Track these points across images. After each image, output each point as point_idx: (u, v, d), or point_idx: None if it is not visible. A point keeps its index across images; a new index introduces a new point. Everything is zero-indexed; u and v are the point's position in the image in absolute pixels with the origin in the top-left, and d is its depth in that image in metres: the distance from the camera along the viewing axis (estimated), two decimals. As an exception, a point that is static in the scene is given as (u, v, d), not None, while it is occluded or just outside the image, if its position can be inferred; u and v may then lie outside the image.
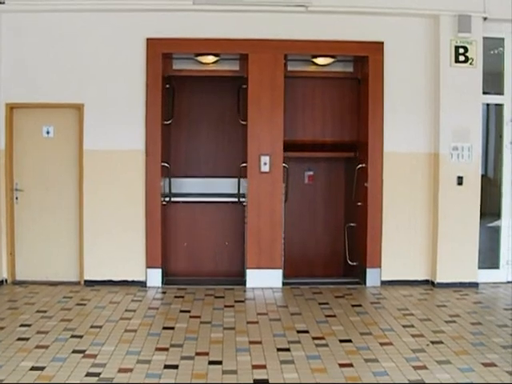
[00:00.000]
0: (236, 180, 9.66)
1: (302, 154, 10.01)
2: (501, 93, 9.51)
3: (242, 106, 9.65)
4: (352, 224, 9.92)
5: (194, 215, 10.16)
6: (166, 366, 6.03)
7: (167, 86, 9.62)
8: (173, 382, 5.65)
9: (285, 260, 9.60)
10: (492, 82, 9.49)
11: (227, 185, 10.06)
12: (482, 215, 9.41)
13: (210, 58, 9.49)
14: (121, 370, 5.90)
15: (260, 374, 5.84)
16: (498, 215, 9.76)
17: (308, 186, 10.50)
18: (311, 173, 10.48)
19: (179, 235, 10.10)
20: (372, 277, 9.40)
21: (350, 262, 9.90)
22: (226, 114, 10.24)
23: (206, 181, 10.18)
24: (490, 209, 9.73)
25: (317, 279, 9.69)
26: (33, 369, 5.87)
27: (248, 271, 9.35)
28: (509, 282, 9.60)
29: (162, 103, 9.26)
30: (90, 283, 9.21)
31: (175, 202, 9.87)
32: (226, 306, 8.29)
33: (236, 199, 9.62)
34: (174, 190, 9.82)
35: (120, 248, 9.26)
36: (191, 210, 10.13)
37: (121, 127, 9.19)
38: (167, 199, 9.54)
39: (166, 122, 9.48)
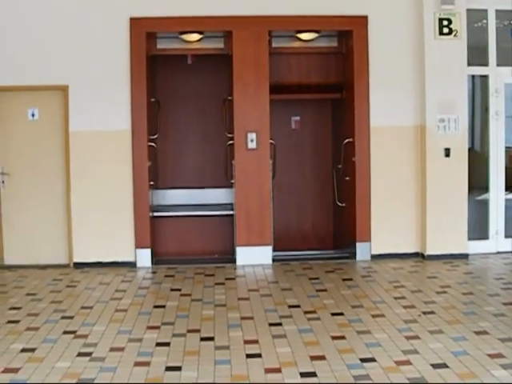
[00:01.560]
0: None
1: (288, 97, 9.99)
2: (486, 64, 9.49)
3: (227, 118, 9.64)
4: (339, 166, 9.88)
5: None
6: (158, 344, 6.00)
7: (152, 99, 9.59)
8: (165, 359, 5.63)
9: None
10: (477, 56, 9.45)
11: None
12: (470, 189, 9.41)
13: (194, 36, 9.44)
14: (112, 349, 5.87)
15: (252, 349, 5.83)
16: (486, 188, 9.76)
17: (295, 131, 10.53)
18: (298, 118, 10.46)
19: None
20: (362, 251, 9.41)
21: (338, 204, 9.94)
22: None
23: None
24: (477, 182, 9.74)
25: (307, 254, 9.67)
26: (24, 350, 5.82)
27: (238, 249, 9.33)
28: (498, 253, 9.62)
29: (147, 82, 9.20)
30: (80, 265, 9.18)
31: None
32: (216, 284, 8.28)
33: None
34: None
35: (109, 229, 9.22)
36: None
37: (106, 107, 9.14)
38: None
39: (151, 137, 9.42)
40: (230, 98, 9.50)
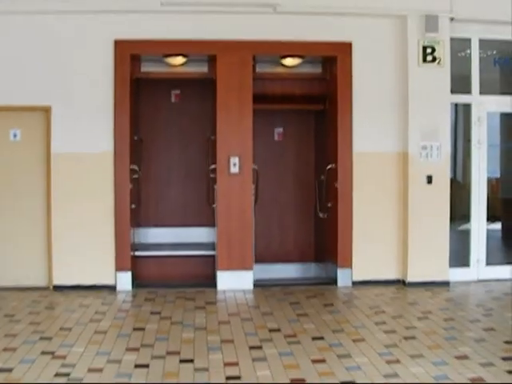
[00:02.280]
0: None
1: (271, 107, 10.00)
2: (469, 92, 9.57)
3: (211, 155, 9.69)
4: (322, 177, 9.89)
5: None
6: (137, 366, 5.94)
7: (135, 138, 9.60)
8: (144, 380, 5.57)
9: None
10: (460, 85, 9.53)
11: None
12: (452, 219, 9.44)
13: (179, 59, 9.44)
14: (91, 370, 5.80)
15: (232, 371, 5.78)
16: (467, 218, 9.78)
17: (278, 142, 10.53)
18: (281, 129, 10.48)
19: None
20: (343, 277, 9.38)
21: (320, 215, 9.94)
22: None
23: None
24: (459, 212, 9.78)
25: (289, 279, 9.63)
26: (0, 371, 5.75)
27: (218, 273, 9.28)
28: (479, 281, 9.61)
29: (131, 105, 9.18)
30: (59, 288, 9.08)
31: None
32: (197, 308, 8.22)
33: None
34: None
35: (89, 252, 9.13)
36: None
37: (89, 129, 9.10)
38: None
39: (132, 167, 9.37)
40: (212, 137, 9.49)
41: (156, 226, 10.31)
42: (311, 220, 10.56)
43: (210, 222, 9.81)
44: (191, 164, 10.42)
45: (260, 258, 9.78)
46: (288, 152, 10.63)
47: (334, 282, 9.42)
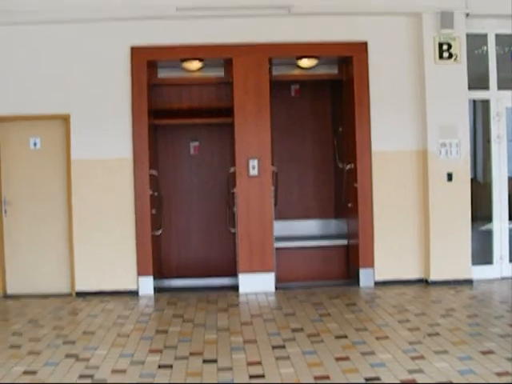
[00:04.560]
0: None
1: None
2: (486, 88, 9.52)
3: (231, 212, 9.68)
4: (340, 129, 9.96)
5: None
6: (160, 366, 5.95)
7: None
8: (167, 380, 5.57)
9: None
10: (478, 81, 9.48)
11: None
12: (474, 219, 9.36)
13: (195, 64, 9.48)
14: (114, 372, 5.83)
15: (256, 370, 5.77)
16: (489, 218, 9.71)
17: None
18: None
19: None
20: (365, 277, 9.35)
21: (340, 165, 10.06)
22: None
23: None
24: (481, 212, 9.70)
25: (310, 282, 9.62)
26: (25, 373, 5.78)
27: (240, 275, 9.28)
28: (503, 278, 9.54)
29: (148, 111, 9.22)
30: (82, 294, 9.12)
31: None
32: (219, 310, 8.22)
33: None
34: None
35: (111, 258, 9.18)
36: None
37: (107, 136, 9.16)
38: None
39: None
40: (233, 191, 9.47)
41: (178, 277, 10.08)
42: (331, 174, 10.57)
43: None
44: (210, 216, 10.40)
45: (281, 216, 9.84)
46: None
47: (357, 282, 9.39)
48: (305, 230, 10.53)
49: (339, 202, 10.23)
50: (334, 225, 10.60)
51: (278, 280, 9.40)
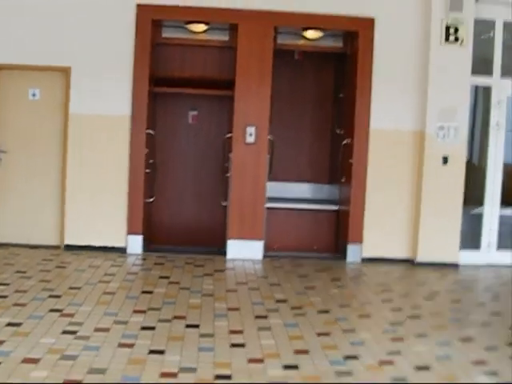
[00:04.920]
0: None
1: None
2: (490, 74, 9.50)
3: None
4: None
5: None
6: (143, 328, 6.02)
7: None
8: (149, 342, 5.63)
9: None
10: (482, 68, 9.45)
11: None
12: (466, 201, 9.38)
13: (200, 27, 9.42)
14: (97, 330, 5.89)
15: (237, 339, 5.84)
16: (480, 202, 9.74)
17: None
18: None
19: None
20: (353, 252, 9.40)
21: (337, 131, 10.03)
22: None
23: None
24: (473, 195, 9.73)
25: (298, 253, 9.67)
26: (9, 325, 5.85)
27: (229, 241, 9.33)
28: (489, 265, 9.59)
29: (150, 70, 9.19)
30: (70, 247, 9.16)
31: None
32: (205, 275, 8.28)
33: None
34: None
35: (101, 214, 9.20)
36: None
37: (107, 92, 9.10)
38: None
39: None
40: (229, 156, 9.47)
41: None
42: (327, 139, 10.55)
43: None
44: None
45: (274, 177, 9.82)
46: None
47: (344, 256, 9.46)
48: (297, 193, 10.51)
49: (334, 168, 10.23)
50: (326, 190, 10.54)
51: (266, 243, 9.47)
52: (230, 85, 9.40)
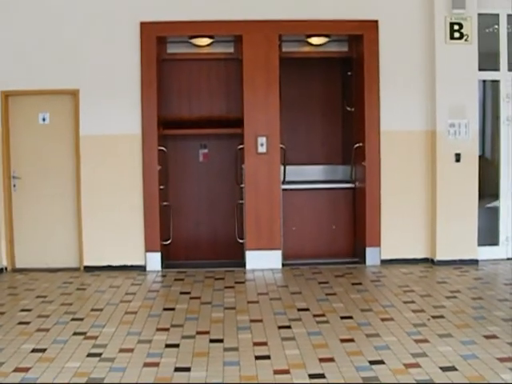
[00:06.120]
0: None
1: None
2: (497, 69, 9.47)
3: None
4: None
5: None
6: (167, 345, 6.02)
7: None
8: (174, 360, 5.64)
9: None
10: (488, 62, 9.43)
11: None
12: (481, 196, 9.37)
13: (205, 41, 9.47)
14: (122, 350, 5.89)
15: (261, 351, 5.83)
16: (496, 196, 9.71)
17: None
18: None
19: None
20: (372, 256, 9.40)
21: (348, 109, 9.98)
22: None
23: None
24: (488, 190, 9.70)
25: (316, 260, 9.66)
26: (34, 351, 5.86)
27: (247, 252, 9.34)
28: (508, 259, 9.57)
29: (158, 86, 9.23)
30: (90, 269, 9.20)
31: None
32: (226, 287, 8.29)
33: None
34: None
35: (119, 233, 9.26)
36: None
37: (116, 112, 9.17)
38: None
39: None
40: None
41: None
42: (339, 117, 10.51)
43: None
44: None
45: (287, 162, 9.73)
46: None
47: (363, 260, 9.45)
48: (311, 175, 10.44)
49: (346, 147, 10.19)
50: (341, 170, 10.46)
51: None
52: (238, 123, 9.45)
